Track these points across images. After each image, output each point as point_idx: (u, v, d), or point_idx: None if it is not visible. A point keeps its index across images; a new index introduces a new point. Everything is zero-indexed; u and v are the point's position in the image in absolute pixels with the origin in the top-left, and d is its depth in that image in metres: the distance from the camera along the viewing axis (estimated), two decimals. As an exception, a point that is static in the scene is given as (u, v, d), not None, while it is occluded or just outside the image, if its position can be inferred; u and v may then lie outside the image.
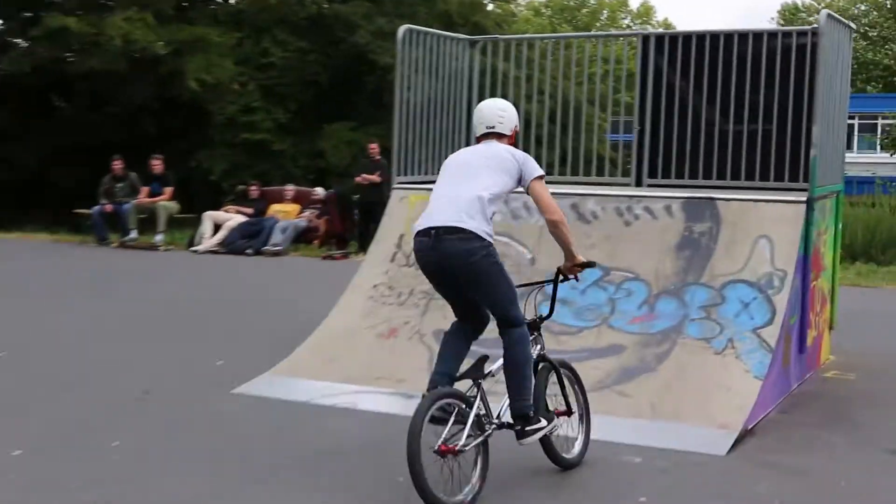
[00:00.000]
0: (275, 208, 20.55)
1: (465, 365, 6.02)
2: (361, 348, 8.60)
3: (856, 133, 49.41)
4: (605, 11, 75.84)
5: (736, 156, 9.84)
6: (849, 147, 45.38)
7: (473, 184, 6.02)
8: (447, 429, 5.53)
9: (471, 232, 5.84)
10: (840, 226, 10.03)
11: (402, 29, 10.17)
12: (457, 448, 5.50)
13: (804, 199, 8.37)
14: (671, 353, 7.77)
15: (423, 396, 5.61)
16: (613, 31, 53.54)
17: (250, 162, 32.52)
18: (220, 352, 9.74)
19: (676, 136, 10.16)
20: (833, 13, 9.05)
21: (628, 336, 8.02)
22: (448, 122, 10.76)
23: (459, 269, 5.91)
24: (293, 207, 20.61)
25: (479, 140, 6.42)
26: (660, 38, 10.53)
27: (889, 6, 68.01)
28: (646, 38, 10.58)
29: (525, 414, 5.93)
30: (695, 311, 8.01)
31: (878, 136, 38.33)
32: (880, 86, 63.46)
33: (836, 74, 9.13)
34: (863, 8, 69.49)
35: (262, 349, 9.49)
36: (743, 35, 9.92)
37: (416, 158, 10.40)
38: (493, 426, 5.84)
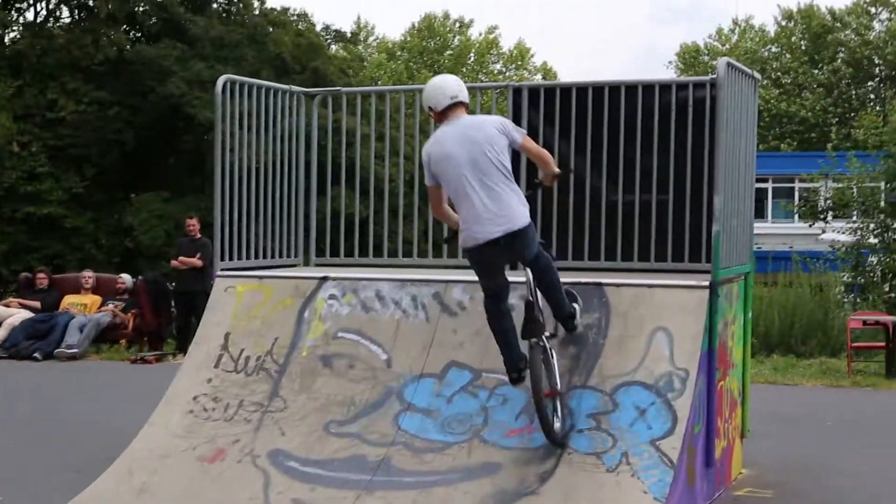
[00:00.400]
0: (69, 300, 20.23)
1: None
2: (179, 475, 8.51)
3: (769, 199, 50.75)
4: (471, 54, 77.05)
5: (627, 232, 10.07)
6: (762, 216, 46.82)
7: (497, 178, 8.00)
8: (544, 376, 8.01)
9: (526, 227, 8.00)
10: (750, 314, 10.28)
11: (221, 79, 10.18)
12: (557, 391, 8.09)
13: (707, 283, 8.57)
14: (556, 472, 7.85)
15: (530, 365, 7.99)
16: (480, 82, 54.48)
17: (37, 242, 32.07)
18: (2, 483, 9.50)
19: (556, 208, 10.31)
20: (733, 61, 9.31)
21: (505, 452, 8.08)
22: (282, 191, 10.83)
23: (524, 254, 8.20)
24: (93, 299, 20.31)
25: (443, 114, 8.25)
26: (534, 91, 10.71)
27: (804, 48, 70.40)
28: (517, 91, 10.73)
29: (569, 313, 8.48)
30: (582, 421, 8.11)
31: (796, 203, 39.47)
32: (795, 143, 65.36)
33: (739, 133, 9.41)
34: (774, 50, 71.88)
35: (54, 479, 9.38)
36: (631, 87, 10.17)
37: (245, 237, 10.38)
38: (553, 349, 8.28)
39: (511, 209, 7.92)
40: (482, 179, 7.95)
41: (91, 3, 34.98)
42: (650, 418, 7.99)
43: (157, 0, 35.32)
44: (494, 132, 8.08)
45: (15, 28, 36.47)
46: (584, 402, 8.21)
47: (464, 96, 8.27)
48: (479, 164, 7.97)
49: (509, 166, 8.09)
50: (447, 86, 8.32)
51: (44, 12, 37.30)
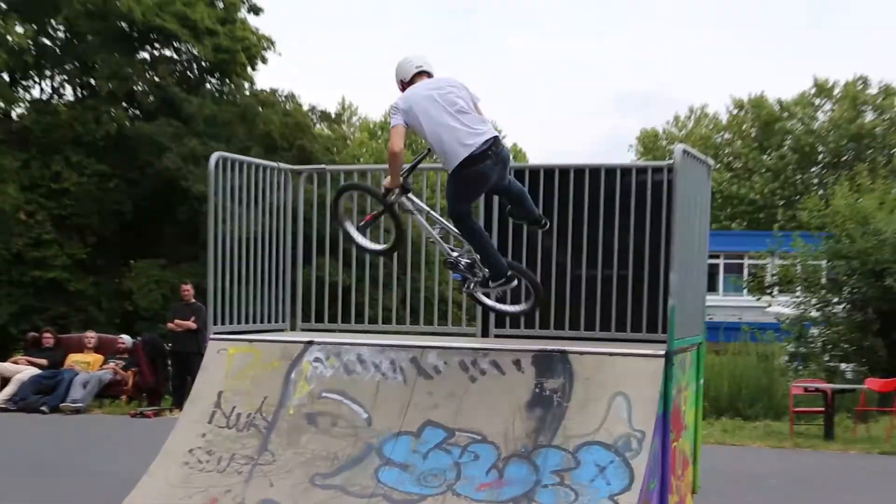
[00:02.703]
0: (74, 358, 20.15)
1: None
2: (175, 523, 8.53)
3: (721, 274, 50.79)
4: (445, 135, 76.96)
5: (590, 304, 10.18)
6: (713, 289, 46.77)
7: (469, 106, 8.75)
8: None
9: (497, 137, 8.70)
10: (702, 381, 10.38)
11: (214, 156, 10.19)
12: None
13: (663, 352, 8.62)
14: (523, 524, 7.90)
15: None
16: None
17: (43, 304, 31.94)
18: (10, 530, 9.53)
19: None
20: (689, 148, 9.33)
21: (476, 504, 8.13)
22: (271, 260, 10.87)
23: (507, 162, 8.89)
24: (95, 358, 20.25)
25: (409, 82, 9.00)
26: (505, 172, 10.78)
27: (754, 135, 70.79)
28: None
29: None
30: (547, 477, 8.13)
31: (744, 279, 39.67)
32: (745, 223, 65.61)
33: (694, 214, 9.49)
34: (726, 136, 72.21)
35: (59, 525, 9.37)
36: (595, 170, 10.26)
37: (236, 302, 10.41)
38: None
39: (485, 125, 8.72)
40: (455, 106, 8.67)
41: (93, 81, 35.07)
42: (609, 475, 8.00)
43: (155, 80, 35.44)
44: (457, 82, 8.92)
45: (21, 104, 36.51)
46: (549, 459, 8.22)
47: (428, 66, 9.08)
48: (449, 98, 8.71)
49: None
50: (414, 57, 9.15)
51: (49, 90, 37.40)
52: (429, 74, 9.04)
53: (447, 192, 8.88)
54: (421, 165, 9.78)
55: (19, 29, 34.04)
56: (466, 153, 8.51)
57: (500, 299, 9.62)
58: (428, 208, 9.49)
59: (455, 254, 9.20)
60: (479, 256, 9.01)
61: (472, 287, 9.21)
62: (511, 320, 10.43)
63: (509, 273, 8.95)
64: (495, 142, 8.62)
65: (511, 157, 8.93)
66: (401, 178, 9.05)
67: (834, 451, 16.10)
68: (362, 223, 9.58)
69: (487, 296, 9.44)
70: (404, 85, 9.06)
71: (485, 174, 8.64)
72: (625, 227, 10.10)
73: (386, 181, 9.22)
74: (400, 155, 8.88)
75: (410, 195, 9.32)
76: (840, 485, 13.27)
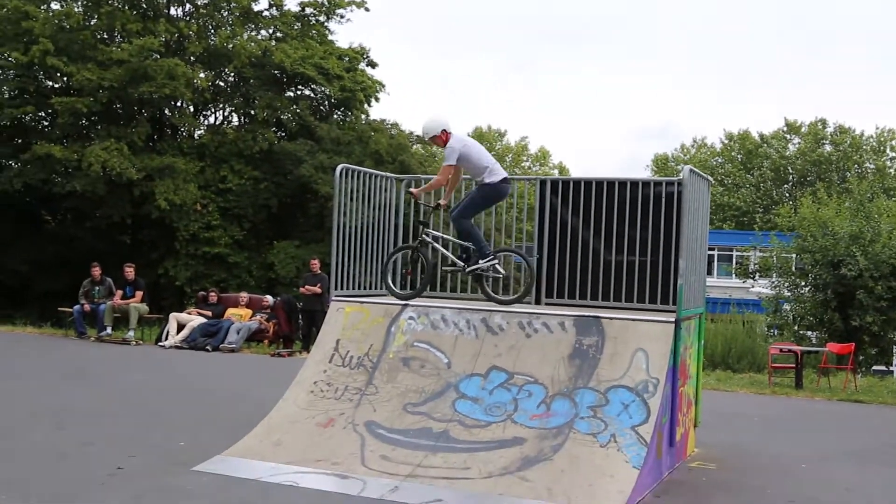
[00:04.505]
0: (231, 312, 20.29)
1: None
2: (303, 435, 8.48)
3: (715, 262, 50.62)
4: (509, 155, 76.97)
5: (617, 281, 10.02)
6: (709, 273, 46.31)
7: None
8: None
9: None
10: (703, 341, 10.15)
11: (339, 167, 10.21)
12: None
13: (673, 319, 8.47)
14: (564, 445, 7.76)
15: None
16: (517, 175, 54.41)
17: (210, 271, 32.44)
18: (183, 434, 9.54)
19: (569, 263, 10.28)
20: (694, 168, 9.24)
21: (529, 430, 8.00)
22: (379, 244, 10.78)
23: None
24: (246, 311, 20.36)
25: (433, 137, 9.67)
26: (555, 182, 10.63)
27: (740, 160, 70.34)
28: (543, 182, 10.66)
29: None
30: (584, 411, 8.02)
31: (733, 266, 39.34)
32: (733, 224, 65.18)
33: (697, 217, 9.33)
34: (720, 160, 71.75)
35: (218, 432, 9.34)
36: (622, 182, 10.14)
37: (352, 274, 10.36)
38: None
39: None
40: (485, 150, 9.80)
41: (252, 112, 35.45)
42: (632, 411, 7.88)
43: (297, 111, 35.72)
44: None
45: (201, 128, 37.19)
46: (586, 398, 8.10)
47: (448, 127, 9.66)
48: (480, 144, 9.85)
49: None
50: (440, 120, 9.64)
51: (221, 117, 38.08)
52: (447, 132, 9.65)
53: (470, 196, 9.79)
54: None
55: (202, 74, 34.76)
56: (502, 176, 9.64)
57: (495, 290, 10.01)
58: (441, 235, 10.18)
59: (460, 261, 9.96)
60: (472, 247, 9.78)
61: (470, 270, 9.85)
62: (558, 291, 10.26)
63: (493, 254, 9.78)
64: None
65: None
66: (422, 195, 9.95)
67: (802, 397, 15.79)
68: (404, 272, 10.30)
69: (484, 285, 9.89)
70: (431, 139, 9.71)
71: (503, 194, 9.79)
72: (645, 225, 9.92)
73: (417, 190, 9.95)
74: (443, 183, 9.86)
75: (429, 229, 10.13)
76: (807, 422, 13.04)
